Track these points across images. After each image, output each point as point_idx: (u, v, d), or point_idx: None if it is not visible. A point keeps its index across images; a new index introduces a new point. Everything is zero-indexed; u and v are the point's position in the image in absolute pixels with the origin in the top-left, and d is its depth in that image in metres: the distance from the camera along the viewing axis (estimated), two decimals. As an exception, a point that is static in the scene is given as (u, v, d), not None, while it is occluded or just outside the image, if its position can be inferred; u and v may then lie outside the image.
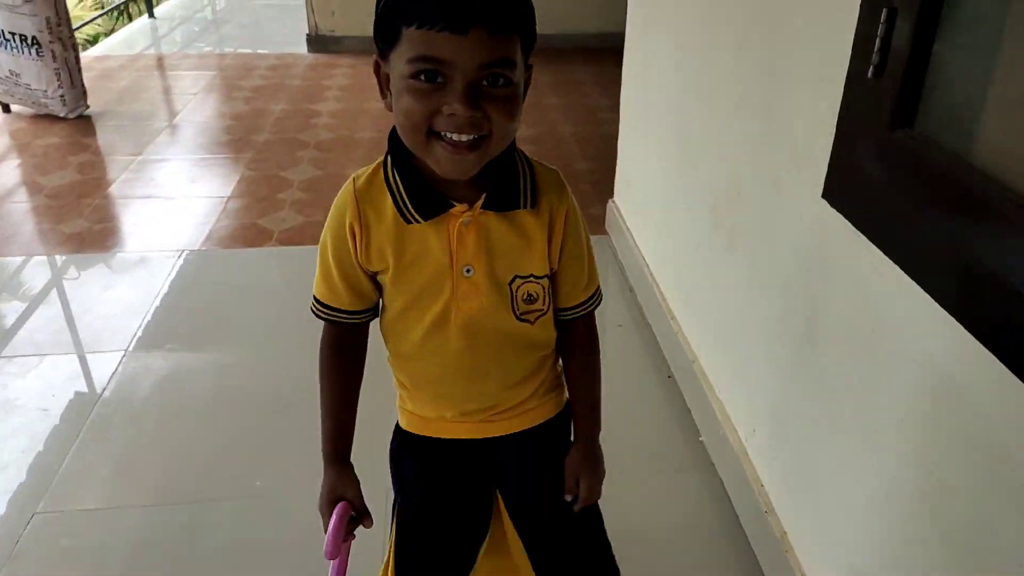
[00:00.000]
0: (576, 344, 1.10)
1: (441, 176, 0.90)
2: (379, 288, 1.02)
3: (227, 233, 3.06)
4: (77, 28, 6.59)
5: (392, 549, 1.16)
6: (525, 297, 1.00)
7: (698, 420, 2.02)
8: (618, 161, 2.96)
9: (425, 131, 0.85)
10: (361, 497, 1.08)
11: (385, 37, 0.85)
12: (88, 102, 4.36)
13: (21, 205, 3.29)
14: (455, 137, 0.84)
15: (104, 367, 2.27)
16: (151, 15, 6.77)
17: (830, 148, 1.29)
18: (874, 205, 1.18)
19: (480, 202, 0.95)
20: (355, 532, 1.08)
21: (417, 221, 0.94)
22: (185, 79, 5.11)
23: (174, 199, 3.35)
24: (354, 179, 0.98)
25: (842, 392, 1.31)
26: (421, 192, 0.94)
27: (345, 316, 1.03)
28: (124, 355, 2.32)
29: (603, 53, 5.60)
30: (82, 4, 10.69)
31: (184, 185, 3.50)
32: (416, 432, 1.10)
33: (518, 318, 1.01)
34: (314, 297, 1.04)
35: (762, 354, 1.63)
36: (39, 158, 3.75)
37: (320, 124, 4.31)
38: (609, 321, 2.53)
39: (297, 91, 4.88)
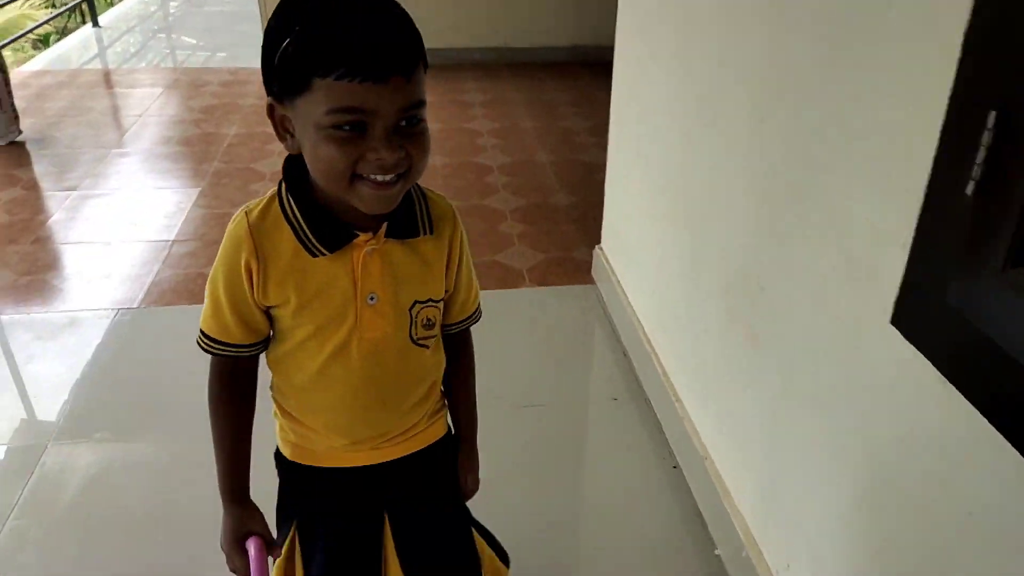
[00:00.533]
0: (459, 354, 1.16)
1: (365, 212, 0.91)
2: (270, 320, 1.01)
3: (170, 286, 2.73)
4: (26, 32, 6.12)
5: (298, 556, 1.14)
6: (424, 322, 1.04)
7: (714, 531, 1.76)
8: (605, 203, 2.70)
9: (349, 176, 0.86)
10: (268, 529, 1.09)
11: (290, 84, 0.84)
12: (21, 127, 3.98)
13: (-65, 253, 2.93)
14: (380, 178, 0.86)
15: (20, 465, 1.95)
16: (95, 24, 6.34)
17: (902, 269, 1.03)
18: (974, 353, 0.92)
19: (383, 230, 0.97)
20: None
21: (323, 254, 0.95)
22: (130, 98, 4.74)
23: (110, 244, 3.01)
24: (246, 212, 0.96)
25: (916, 558, 1.06)
26: (323, 223, 0.94)
27: (235, 351, 1.02)
28: (44, 449, 2.00)
29: (577, 69, 5.35)
30: (30, 3, 10.13)
31: (123, 227, 3.14)
32: (304, 462, 1.10)
33: (415, 343, 1.04)
34: (201, 331, 1.02)
35: (805, 480, 1.37)
36: (-39, 195, 3.37)
37: (276, 151, 3.98)
38: (601, 392, 2.27)
39: (252, 112, 4.54)
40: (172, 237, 3.06)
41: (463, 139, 4.17)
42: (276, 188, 0.97)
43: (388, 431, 1.08)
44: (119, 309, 2.59)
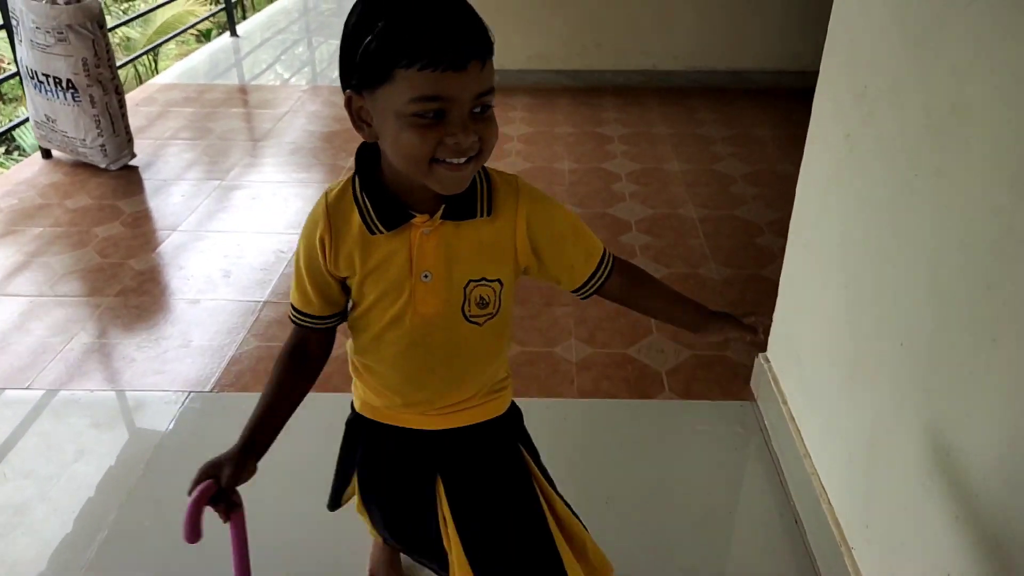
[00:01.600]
0: (622, 292, 1.20)
1: (442, 193, 0.99)
2: (347, 292, 1.14)
3: (249, 364, 2.37)
4: (190, 27, 5.97)
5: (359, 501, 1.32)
6: (478, 300, 1.11)
7: None
8: (778, 300, 2.11)
9: (428, 160, 0.94)
10: (235, 484, 1.07)
11: (372, 76, 0.93)
12: (136, 149, 3.80)
13: (16, 302, 2.70)
14: (456, 161, 0.95)
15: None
16: (233, 33, 6.24)
17: None
18: None
19: (440, 212, 1.05)
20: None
21: (381, 232, 1.05)
22: (255, 119, 4.51)
23: (198, 302, 2.70)
24: (326, 194, 1.09)
25: None
26: (385, 205, 1.04)
27: (315, 322, 1.15)
28: (66, 594, 1.65)
29: (737, 96, 4.69)
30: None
31: (215, 282, 2.83)
32: (367, 415, 1.23)
33: (467, 319, 1.11)
34: (291, 305, 1.17)
35: None
36: (62, 227, 3.18)
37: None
38: (756, 544, 1.70)
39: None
40: (264, 297, 2.72)
41: (596, 182, 3.64)
42: (352, 174, 1.08)
43: (437, 399, 1.17)
44: (190, 392, 2.25)
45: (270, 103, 4.73)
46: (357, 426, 1.26)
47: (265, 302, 2.68)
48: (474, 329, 1.12)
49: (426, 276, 1.07)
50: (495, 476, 1.23)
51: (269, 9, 7.29)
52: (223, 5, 6.32)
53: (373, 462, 1.26)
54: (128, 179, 3.65)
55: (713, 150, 4.01)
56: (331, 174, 3.75)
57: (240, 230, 3.20)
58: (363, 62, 0.92)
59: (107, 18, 3.60)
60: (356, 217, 1.05)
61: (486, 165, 1.05)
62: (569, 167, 3.80)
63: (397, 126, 0.93)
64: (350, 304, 1.15)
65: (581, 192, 3.53)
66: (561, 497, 1.28)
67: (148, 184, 3.61)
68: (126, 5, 11.38)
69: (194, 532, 1.00)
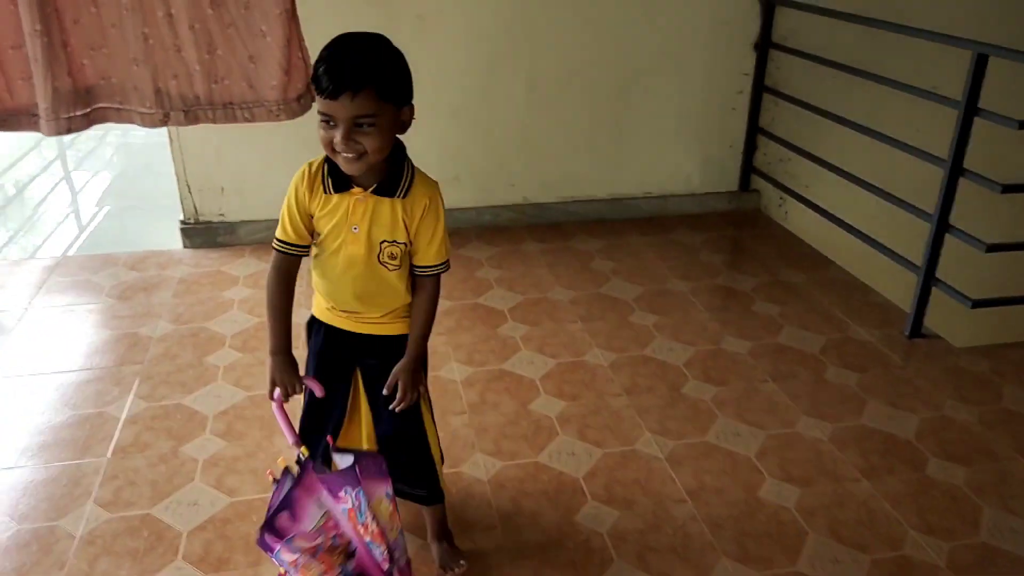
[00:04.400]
0: (419, 293, 1.73)
1: (345, 172, 1.58)
2: (311, 234, 1.67)
3: None
4: None
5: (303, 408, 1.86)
6: (389, 255, 1.64)
7: None
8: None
9: (330, 149, 1.52)
10: (293, 377, 1.71)
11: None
12: None
13: None
14: (344, 155, 1.51)
15: None
16: None
17: None
18: None
19: (371, 189, 1.60)
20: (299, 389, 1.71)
21: (330, 192, 1.61)
22: (-31, 306, 3.11)
23: None
24: (309, 164, 1.64)
25: None
26: (338, 177, 1.60)
27: (289, 248, 1.67)
28: None
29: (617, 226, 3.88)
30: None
31: None
32: (317, 316, 1.78)
33: (380, 263, 1.65)
34: (275, 238, 1.68)
35: None
36: None
37: (222, 367, 2.36)
38: None
39: (182, 313, 2.95)
40: None
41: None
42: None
43: (360, 312, 1.71)
44: None
45: (7, 279, 3.34)
46: (311, 323, 1.80)
47: None
48: (385, 271, 1.67)
49: (355, 228, 1.62)
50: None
51: None
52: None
53: (315, 352, 1.79)
54: None
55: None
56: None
57: None
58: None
59: None
60: (319, 179, 1.62)
61: (416, 166, 1.65)
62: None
63: (319, 125, 1.51)
64: (313, 236, 1.66)
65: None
66: (430, 406, 1.90)
67: None
68: None
69: (290, 430, 1.65)
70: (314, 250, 1.67)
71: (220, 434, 2.37)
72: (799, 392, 2.66)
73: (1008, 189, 2.60)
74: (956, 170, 2.77)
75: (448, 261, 1.71)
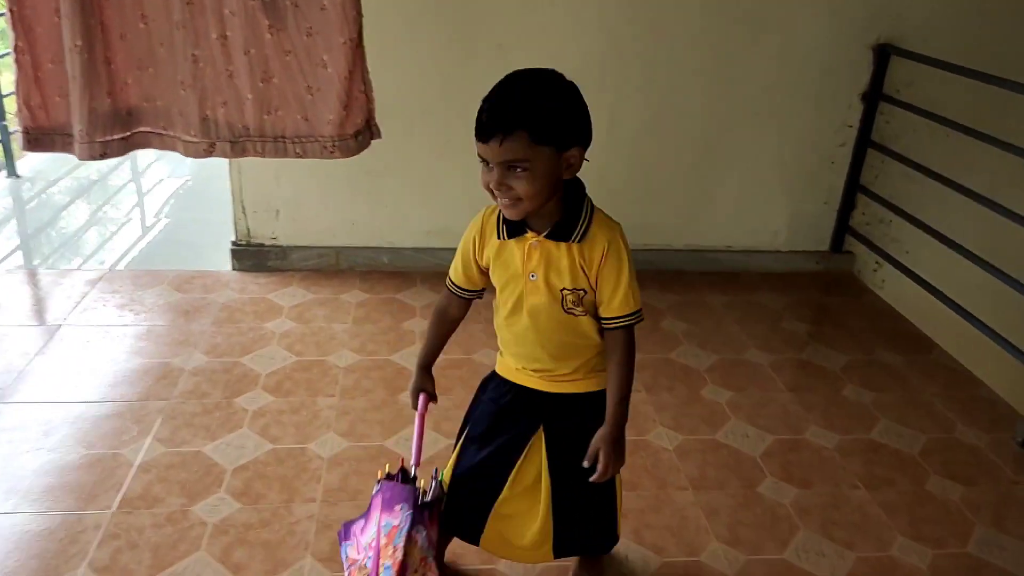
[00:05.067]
0: (610, 349, 1.58)
1: (504, 215, 1.52)
2: (486, 278, 1.64)
3: None
4: None
5: (456, 451, 1.76)
6: (572, 301, 1.53)
7: None
8: None
9: (491, 192, 1.45)
10: (434, 389, 1.75)
11: None
12: None
13: None
14: (501, 200, 1.45)
15: None
16: (11, 173, 4.67)
17: None
18: None
19: (546, 233, 1.51)
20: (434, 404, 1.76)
21: (504, 238, 1.55)
22: (23, 319, 2.98)
23: None
24: (486, 208, 1.59)
25: None
26: (512, 222, 1.52)
27: (457, 290, 1.67)
28: None
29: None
30: None
31: None
32: (501, 374, 1.69)
33: (565, 311, 1.54)
34: (448, 275, 1.68)
35: None
36: None
37: (251, 412, 2.15)
38: None
39: (219, 344, 2.77)
40: None
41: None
42: None
43: (551, 369, 1.60)
44: None
45: (47, 291, 3.22)
46: (490, 378, 1.74)
47: None
48: (572, 319, 1.55)
49: (533, 276, 1.53)
50: (586, 437, 1.59)
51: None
52: None
53: (494, 405, 1.69)
54: None
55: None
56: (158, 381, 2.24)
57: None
58: None
59: None
60: (495, 226, 1.56)
61: (597, 207, 1.54)
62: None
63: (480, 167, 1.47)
64: (488, 287, 1.65)
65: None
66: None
67: None
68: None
69: (418, 449, 1.70)
70: (495, 309, 1.63)
71: (236, 494, 2.15)
72: (896, 505, 2.29)
73: None
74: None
75: (640, 311, 1.56)
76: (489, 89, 1.43)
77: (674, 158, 3.58)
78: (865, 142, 3.58)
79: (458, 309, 1.71)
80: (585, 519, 1.73)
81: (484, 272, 1.62)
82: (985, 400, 2.87)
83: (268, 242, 3.51)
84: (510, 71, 1.45)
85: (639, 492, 2.27)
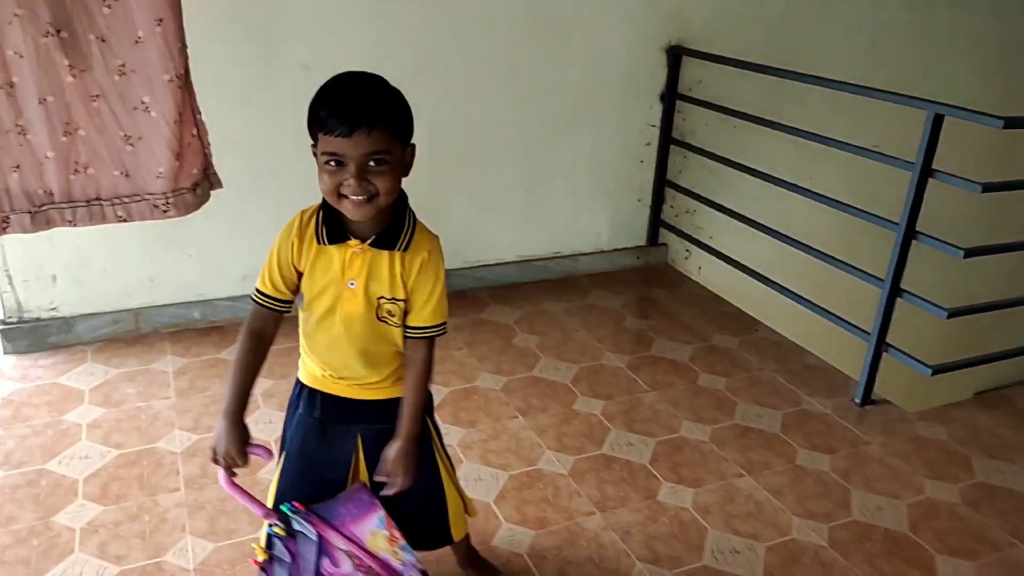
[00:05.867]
0: (411, 359, 1.57)
1: (351, 220, 1.44)
2: (298, 287, 1.53)
3: None
4: None
5: (277, 474, 1.66)
6: (387, 311, 1.51)
7: None
8: None
9: (336, 194, 1.39)
10: (240, 446, 1.49)
11: (311, 135, 1.40)
12: None
13: None
14: (354, 197, 1.38)
15: None
16: None
17: None
18: None
19: (370, 241, 1.47)
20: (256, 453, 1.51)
21: (325, 244, 1.48)
22: None
23: None
24: (302, 213, 1.51)
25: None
26: (333, 228, 1.47)
27: (266, 301, 1.53)
28: None
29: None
30: None
31: None
32: (308, 384, 1.62)
33: (379, 319, 1.51)
34: (256, 289, 1.54)
35: None
36: None
37: (78, 531, 1.71)
38: None
39: (11, 450, 2.23)
40: None
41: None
42: (320, 202, 1.48)
43: (360, 377, 1.57)
44: None
45: None
46: (299, 391, 1.64)
47: None
48: (386, 327, 1.53)
49: (351, 284, 1.48)
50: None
51: None
52: None
53: (307, 417, 1.62)
54: None
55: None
56: None
57: None
58: (308, 126, 1.39)
59: None
60: (312, 230, 1.48)
61: (419, 219, 1.52)
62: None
63: (320, 170, 1.39)
64: (300, 296, 1.54)
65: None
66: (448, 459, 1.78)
67: None
68: None
69: (256, 504, 1.50)
70: (303, 315, 1.56)
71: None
72: (780, 487, 2.38)
73: (971, 253, 2.49)
74: (910, 233, 2.65)
75: (445, 324, 1.56)
76: (307, 104, 1.39)
77: (496, 171, 3.51)
78: (667, 139, 3.76)
79: (273, 327, 1.56)
80: (418, 518, 1.70)
81: (297, 278, 1.52)
82: (816, 368, 3.11)
83: (46, 314, 2.94)
84: (310, 93, 1.38)
85: (548, 528, 2.16)
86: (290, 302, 1.55)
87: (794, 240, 3.18)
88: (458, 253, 3.56)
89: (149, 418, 2.54)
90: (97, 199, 1.96)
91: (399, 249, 1.47)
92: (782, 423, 2.72)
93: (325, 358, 1.56)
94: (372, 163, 1.35)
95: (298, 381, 1.65)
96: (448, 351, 3.03)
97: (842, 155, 2.98)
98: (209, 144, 2.08)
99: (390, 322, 1.52)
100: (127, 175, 1.94)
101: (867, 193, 3.20)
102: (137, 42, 1.85)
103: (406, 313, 1.53)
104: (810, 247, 3.12)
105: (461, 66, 3.28)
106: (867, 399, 2.85)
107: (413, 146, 1.46)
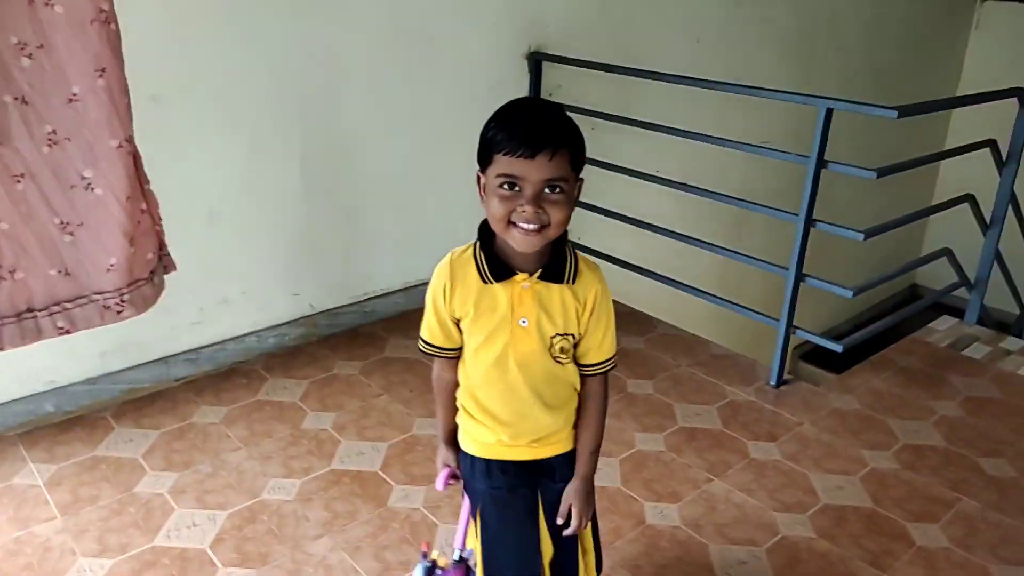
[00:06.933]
0: (587, 395, 1.52)
1: (517, 251, 1.36)
2: (461, 333, 1.46)
3: None
4: None
5: (480, 543, 1.57)
6: (560, 348, 1.44)
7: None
8: None
9: (506, 222, 1.32)
10: (457, 463, 1.57)
11: (483, 159, 1.34)
12: None
13: None
14: (525, 226, 1.31)
15: None
16: None
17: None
18: None
19: (537, 273, 1.40)
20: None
21: (491, 282, 1.40)
22: None
23: None
24: (451, 254, 1.45)
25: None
26: (496, 263, 1.40)
27: (436, 351, 1.49)
28: None
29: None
30: None
31: None
32: (479, 455, 1.51)
33: (554, 360, 1.45)
34: (420, 338, 1.50)
35: None
36: None
37: None
38: None
39: None
40: None
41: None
42: (474, 241, 1.43)
43: (542, 427, 1.48)
44: None
45: None
46: (471, 464, 1.52)
47: None
48: (559, 367, 1.46)
49: (523, 322, 1.41)
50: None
51: None
52: None
53: (492, 490, 1.52)
54: None
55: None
56: None
57: None
58: (480, 149, 1.34)
59: None
60: (472, 271, 1.41)
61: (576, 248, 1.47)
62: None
63: (490, 194, 1.32)
64: (464, 344, 1.46)
65: None
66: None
67: None
68: None
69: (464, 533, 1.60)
70: (465, 372, 1.49)
71: None
72: (751, 487, 2.42)
73: (871, 234, 2.68)
74: (808, 221, 2.80)
75: (617, 355, 1.53)
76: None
77: (375, 192, 3.24)
78: (537, 145, 3.70)
79: (451, 371, 1.53)
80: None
81: (457, 325, 1.45)
82: (724, 357, 3.21)
83: None
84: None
85: None
86: (457, 349, 1.49)
87: (658, 227, 3.31)
88: (343, 288, 3.25)
89: (38, 551, 2.03)
90: (29, 310, 1.49)
91: (567, 281, 1.42)
92: (720, 418, 2.77)
93: (502, 413, 1.47)
94: (548, 190, 1.30)
95: (465, 454, 1.55)
96: (353, 394, 2.75)
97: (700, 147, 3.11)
98: (161, 219, 1.65)
99: (563, 360, 1.46)
100: (67, 273, 1.48)
101: (711, 180, 3.41)
102: (71, 100, 1.40)
103: (580, 350, 1.48)
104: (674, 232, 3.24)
105: (326, 87, 2.98)
106: (780, 380, 2.99)
107: (582, 180, 1.39)
